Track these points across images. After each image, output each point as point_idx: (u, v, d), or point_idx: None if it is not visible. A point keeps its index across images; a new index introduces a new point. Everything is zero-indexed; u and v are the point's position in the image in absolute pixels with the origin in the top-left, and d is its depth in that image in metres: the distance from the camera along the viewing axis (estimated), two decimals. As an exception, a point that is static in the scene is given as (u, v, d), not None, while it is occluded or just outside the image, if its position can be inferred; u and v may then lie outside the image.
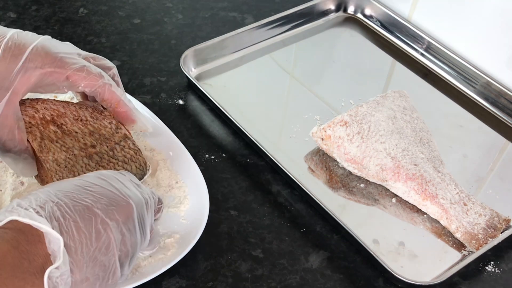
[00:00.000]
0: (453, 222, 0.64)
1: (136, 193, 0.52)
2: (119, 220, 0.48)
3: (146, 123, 0.65)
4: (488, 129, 0.78)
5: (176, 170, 0.67)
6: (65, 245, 0.44)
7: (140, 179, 0.63)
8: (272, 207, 0.67)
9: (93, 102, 0.65)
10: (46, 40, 0.58)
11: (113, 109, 0.63)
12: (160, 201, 0.58)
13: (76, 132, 0.61)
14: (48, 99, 0.63)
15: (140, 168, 0.63)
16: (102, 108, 0.65)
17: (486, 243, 0.63)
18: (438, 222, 0.65)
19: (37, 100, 0.62)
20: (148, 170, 0.64)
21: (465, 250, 0.64)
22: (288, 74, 0.84)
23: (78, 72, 0.58)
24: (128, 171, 0.61)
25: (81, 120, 0.62)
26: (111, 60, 0.83)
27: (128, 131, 0.64)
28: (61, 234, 0.44)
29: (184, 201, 0.64)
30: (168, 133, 0.69)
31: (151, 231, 0.54)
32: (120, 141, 0.62)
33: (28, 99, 0.62)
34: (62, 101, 0.63)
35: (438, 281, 0.60)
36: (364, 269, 0.62)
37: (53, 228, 0.44)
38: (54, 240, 0.43)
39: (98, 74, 0.59)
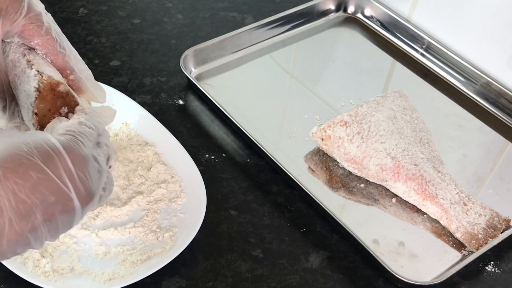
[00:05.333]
0: (453, 222, 0.64)
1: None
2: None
3: (97, 95, 0.60)
4: (488, 129, 0.78)
5: (171, 165, 0.67)
6: None
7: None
8: (272, 207, 0.67)
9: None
10: None
11: (64, 77, 0.57)
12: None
13: None
14: None
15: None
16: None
17: (486, 243, 0.63)
18: (438, 222, 0.65)
19: None
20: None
21: (465, 250, 0.64)
22: (288, 74, 0.84)
23: (36, 26, 0.53)
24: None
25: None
26: (111, 60, 0.84)
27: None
28: None
29: (180, 195, 0.64)
30: (160, 128, 0.69)
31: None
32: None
33: None
34: None
35: (438, 281, 0.60)
36: (364, 269, 0.62)
37: None
38: None
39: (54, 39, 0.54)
